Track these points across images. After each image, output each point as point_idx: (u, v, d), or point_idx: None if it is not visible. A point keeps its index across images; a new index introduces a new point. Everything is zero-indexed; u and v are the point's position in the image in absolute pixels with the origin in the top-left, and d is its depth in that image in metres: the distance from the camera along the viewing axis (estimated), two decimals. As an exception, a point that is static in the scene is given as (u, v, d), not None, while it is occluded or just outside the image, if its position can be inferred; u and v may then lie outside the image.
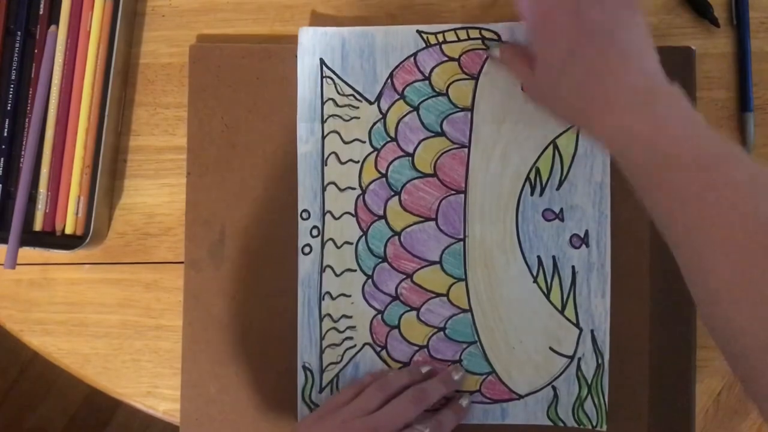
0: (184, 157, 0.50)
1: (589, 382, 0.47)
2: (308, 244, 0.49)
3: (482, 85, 0.49)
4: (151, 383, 0.51)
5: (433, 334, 0.48)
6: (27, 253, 0.49)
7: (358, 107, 0.49)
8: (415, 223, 0.49)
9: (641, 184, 0.36)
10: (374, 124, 0.49)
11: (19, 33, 0.50)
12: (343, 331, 0.49)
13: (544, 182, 0.48)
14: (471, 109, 0.49)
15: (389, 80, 0.49)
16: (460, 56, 0.49)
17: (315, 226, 0.49)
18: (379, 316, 0.49)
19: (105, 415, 1.19)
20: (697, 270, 0.33)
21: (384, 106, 0.49)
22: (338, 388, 0.49)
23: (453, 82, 0.49)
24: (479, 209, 0.48)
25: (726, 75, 0.50)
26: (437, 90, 0.49)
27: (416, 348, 0.48)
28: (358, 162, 0.49)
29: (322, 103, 0.49)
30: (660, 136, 0.35)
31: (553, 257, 0.48)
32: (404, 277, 0.49)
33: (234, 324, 0.49)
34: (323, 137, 0.49)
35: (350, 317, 0.49)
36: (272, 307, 0.49)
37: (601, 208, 0.48)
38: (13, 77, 0.50)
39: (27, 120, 0.50)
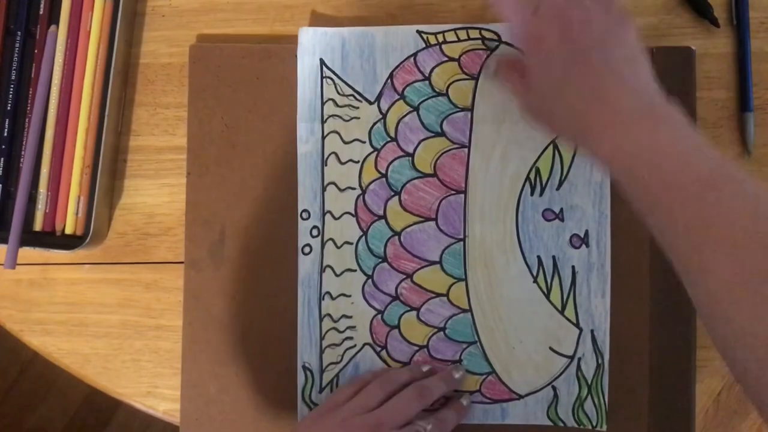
0: (184, 157, 0.50)
1: (589, 382, 0.47)
2: (308, 244, 0.49)
3: (482, 85, 0.49)
4: (151, 383, 0.51)
5: (433, 334, 0.48)
6: (27, 253, 0.49)
7: (358, 107, 0.49)
8: (415, 223, 0.49)
9: (643, 205, 0.36)
10: (374, 124, 0.49)
11: (19, 33, 0.50)
12: (343, 331, 0.49)
13: (544, 182, 0.48)
14: (471, 109, 0.49)
15: (389, 80, 0.49)
16: (460, 56, 0.49)
17: (315, 226, 0.49)
18: (379, 316, 0.49)
19: (105, 415, 1.18)
20: (696, 270, 0.33)
21: (384, 106, 0.49)
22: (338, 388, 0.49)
23: (453, 82, 0.49)
24: (479, 209, 0.48)
25: (726, 75, 0.50)
26: (437, 90, 0.49)
27: (416, 348, 0.48)
28: (358, 162, 0.49)
29: (322, 103, 0.49)
30: (660, 159, 0.35)
31: (553, 257, 0.48)
32: (404, 277, 0.49)
33: (234, 324, 0.49)
34: (323, 137, 0.49)
35: (350, 317, 0.49)
36: (272, 307, 0.49)
37: (601, 208, 0.48)
38: (13, 77, 0.50)
39: (27, 120, 0.50)
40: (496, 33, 0.48)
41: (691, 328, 0.47)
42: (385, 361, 0.48)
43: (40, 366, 1.18)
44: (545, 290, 0.48)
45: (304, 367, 0.49)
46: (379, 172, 0.49)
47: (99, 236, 0.50)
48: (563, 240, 0.48)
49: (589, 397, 0.47)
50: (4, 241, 0.48)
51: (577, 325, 0.48)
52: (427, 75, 0.49)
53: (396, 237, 0.49)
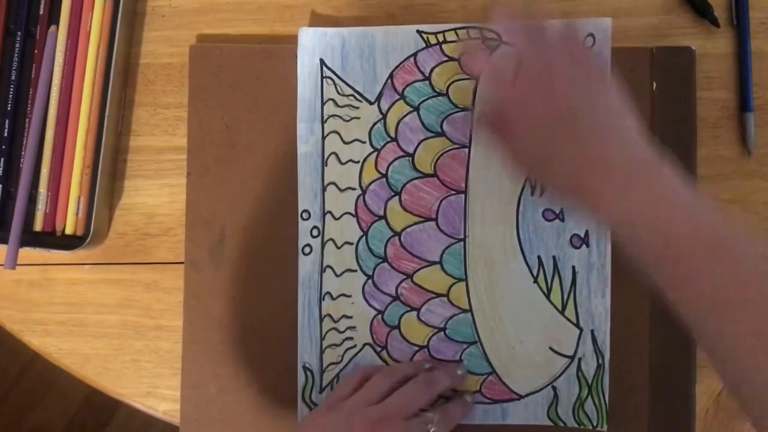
0: (184, 157, 0.50)
1: (590, 382, 0.47)
2: (308, 245, 0.49)
3: (482, 85, 0.48)
4: (151, 383, 0.50)
5: (433, 335, 0.48)
6: (27, 253, 0.49)
7: (358, 107, 0.49)
8: (415, 224, 0.49)
9: (648, 265, 0.36)
10: (374, 124, 0.49)
11: (19, 33, 0.50)
12: (344, 332, 0.49)
13: (544, 182, 0.48)
14: (471, 109, 0.49)
15: (389, 80, 0.49)
16: (460, 56, 0.49)
17: (315, 227, 0.49)
18: (380, 316, 0.49)
19: (105, 415, 1.18)
20: (712, 331, 0.33)
21: (384, 106, 0.49)
22: (338, 388, 0.49)
23: (453, 82, 0.49)
24: (479, 209, 0.48)
25: (726, 75, 0.50)
26: (437, 90, 0.49)
27: (416, 348, 0.48)
28: (358, 162, 0.49)
29: (322, 104, 0.49)
30: (661, 220, 0.35)
31: (554, 257, 0.48)
32: (404, 277, 0.48)
33: (234, 324, 0.49)
34: (323, 137, 0.49)
35: (350, 317, 0.49)
36: (272, 307, 0.49)
37: (602, 208, 0.48)
38: (13, 77, 0.50)
39: (27, 120, 0.50)
40: (496, 33, 0.48)
41: (691, 328, 0.47)
42: (385, 362, 0.48)
43: (40, 366, 1.18)
44: (545, 290, 0.48)
45: (305, 368, 0.49)
46: (380, 173, 0.49)
47: (99, 236, 0.50)
48: (563, 240, 0.48)
49: (590, 397, 0.47)
50: (4, 241, 0.48)
51: (577, 325, 0.48)
52: (427, 75, 0.49)
53: (396, 237, 0.49)
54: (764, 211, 0.49)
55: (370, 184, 0.49)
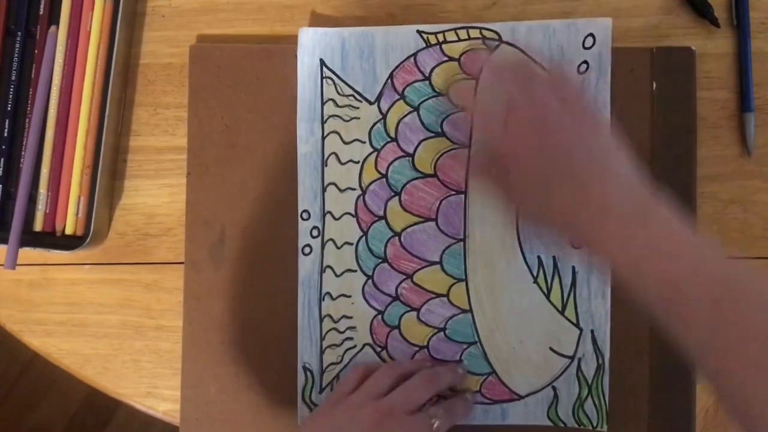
0: (184, 157, 0.50)
1: (590, 382, 0.47)
2: (308, 245, 0.49)
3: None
4: (151, 383, 0.51)
5: (433, 335, 0.48)
6: (27, 253, 0.49)
7: (358, 107, 0.49)
8: (415, 224, 0.49)
9: (650, 306, 0.36)
10: (374, 124, 0.49)
11: (19, 33, 0.50)
12: (344, 332, 0.49)
13: (544, 182, 0.48)
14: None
15: (389, 80, 0.49)
16: (460, 56, 0.49)
17: (315, 227, 0.49)
18: (380, 316, 0.49)
19: (105, 415, 1.18)
20: (719, 371, 0.33)
21: (384, 106, 0.49)
22: (338, 388, 0.49)
23: (453, 82, 0.49)
24: (480, 209, 0.48)
25: (726, 75, 0.50)
26: (437, 90, 0.49)
27: (416, 348, 0.48)
28: (358, 162, 0.49)
29: (322, 104, 0.49)
30: (662, 264, 0.35)
31: (554, 257, 0.48)
32: (404, 277, 0.48)
33: (234, 324, 0.49)
34: (323, 137, 0.49)
35: (350, 318, 0.49)
36: (272, 307, 0.49)
37: (602, 209, 0.48)
38: (13, 77, 0.50)
39: (27, 120, 0.50)
40: (496, 32, 0.48)
41: (691, 329, 0.47)
42: (385, 362, 0.48)
43: (40, 366, 1.18)
44: (545, 290, 0.48)
45: (305, 368, 0.49)
46: (380, 173, 0.49)
47: (99, 237, 0.50)
48: (563, 240, 0.48)
49: (590, 397, 0.47)
50: (4, 241, 0.48)
51: (577, 325, 0.48)
52: (427, 75, 0.49)
53: (396, 237, 0.49)
54: (764, 211, 0.49)
55: (370, 184, 0.49)
